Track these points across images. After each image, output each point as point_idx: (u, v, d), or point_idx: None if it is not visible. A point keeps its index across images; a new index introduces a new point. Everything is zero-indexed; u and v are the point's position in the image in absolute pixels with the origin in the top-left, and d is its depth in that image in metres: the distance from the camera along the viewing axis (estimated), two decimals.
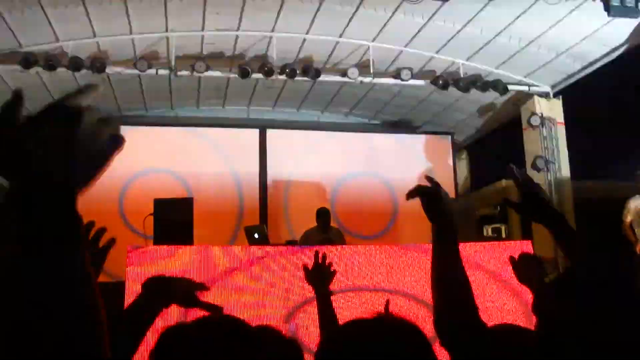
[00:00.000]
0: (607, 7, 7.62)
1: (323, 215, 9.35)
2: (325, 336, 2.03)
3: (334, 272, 3.15)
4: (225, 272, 6.91)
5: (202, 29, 9.53)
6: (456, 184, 13.01)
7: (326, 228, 9.38)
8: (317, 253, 3.21)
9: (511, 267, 2.82)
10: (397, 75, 10.44)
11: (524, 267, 2.76)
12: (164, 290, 1.98)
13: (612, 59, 9.71)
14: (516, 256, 2.80)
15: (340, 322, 2.80)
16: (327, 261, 3.20)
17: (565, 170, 10.98)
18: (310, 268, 3.14)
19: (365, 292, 7.11)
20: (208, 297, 1.97)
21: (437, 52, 10.24)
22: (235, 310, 6.62)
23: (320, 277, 3.11)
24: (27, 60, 8.21)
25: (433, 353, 1.66)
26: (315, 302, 3.12)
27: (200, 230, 8.27)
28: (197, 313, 1.88)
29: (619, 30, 8.84)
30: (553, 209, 2.32)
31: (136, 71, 9.73)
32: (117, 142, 1.04)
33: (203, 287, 2.03)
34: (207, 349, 1.47)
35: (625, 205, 8.79)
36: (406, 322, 1.75)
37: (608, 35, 9.09)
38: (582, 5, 7.98)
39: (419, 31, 9.57)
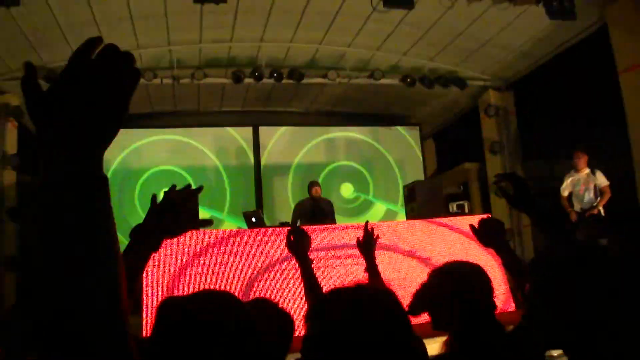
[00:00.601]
0: (549, 11, 7.73)
1: (312, 186, 9.46)
2: (311, 304, 1.91)
3: (310, 239, 3.05)
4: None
5: (200, 42, 9.55)
6: (425, 168, 13.16)
7: (317, 199, 9.44)
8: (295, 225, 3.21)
9: (473, 234, 2.74)
10: (370, 75, 10.49)
11: (485, 231, 2.69)
12: (149, 234, 1.82)
13: (555, 56, 9.84)
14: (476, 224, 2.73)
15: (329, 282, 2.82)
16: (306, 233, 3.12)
17: (517, 153, 11.13)
18: (291, 237, 3.03)
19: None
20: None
21: (405, 54, 10.30)
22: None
23: (299, 243, 3.01)
24: (49, 77, 8.22)
25: (407, 319, 1.66)
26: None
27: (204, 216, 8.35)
28: None
29: (560, 31, 8.92)
30: (539, 202, 2.33)
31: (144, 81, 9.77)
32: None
33: (197, 190, 1.95)
34: (205, 322, 1.38)
35: (563, 180, 9.02)
36: (382, 290, 1.78)
37: (551, 35, 9.18)
38: (528, 9, 8.04)
39: (388, 36, 9.63)
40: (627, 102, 7.92)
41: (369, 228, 3.20)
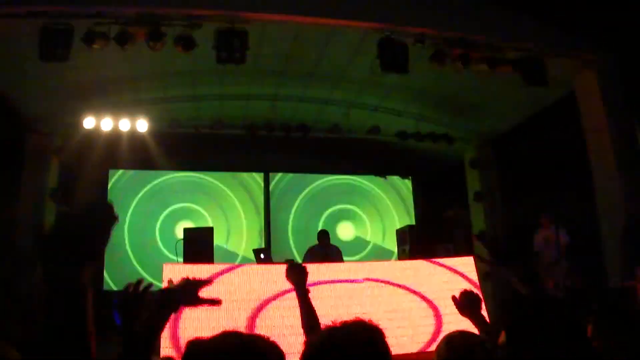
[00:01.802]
0: (524, 78, 7.92)
1: (322, 234, 9.41)
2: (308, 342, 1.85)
3: (307, 273, 3.10)
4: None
5: (221, 97, 9.81)
6: (415, 214, 13.25)
7: (326, 246, 9.32)
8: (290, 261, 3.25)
9: (454, 304, 2.83)
10: (370, 131, 10.68)
11: (464, 303, 2.81)
12: (174, 299, 1.95)
13: (531, 116, 10.04)
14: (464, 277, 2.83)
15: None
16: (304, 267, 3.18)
17: (498, 201, 11.25)
18: (290, 268, 3.13)
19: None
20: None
21: (399, 115, 10.52)
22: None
23: (296, 273, 3.08)
24: None
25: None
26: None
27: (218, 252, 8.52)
28: None
29: (536, 97, 9.14)
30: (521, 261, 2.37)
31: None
32: None
33: (204, 282, 2.03)
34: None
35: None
36: (371, 328, 1.76)
37: (527, 99, 9.38)
38: (507, 77, 8.18)
39: (385, 97, 9.87)
40: (592, 158, 8.08)
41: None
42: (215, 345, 1.52)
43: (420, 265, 8.08)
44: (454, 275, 7.83)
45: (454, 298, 2.83)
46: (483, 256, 2.56)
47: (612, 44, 8.11)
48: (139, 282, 2.01)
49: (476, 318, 2.77)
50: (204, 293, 1.99)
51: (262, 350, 1.52)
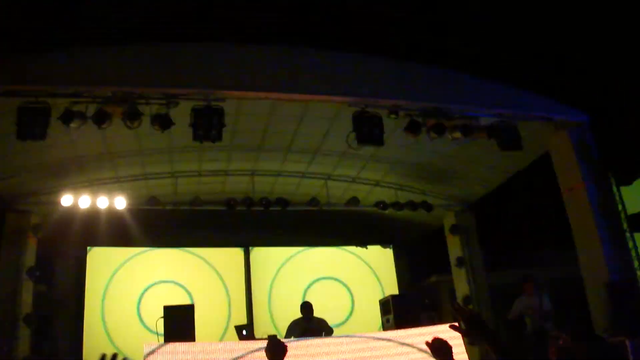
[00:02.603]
0: (499, 143, 8.03)
1: (304, 307, 9.22)
2: None
3: (285, 348, 3.16)
4: None
5: (199, 173, 9.80)
6: (399, 281, 13.11)
7: (308, 318, 9.09)
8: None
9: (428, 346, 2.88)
10: (348, 202, 10.69)
11: (437, 349, 2.85)
12: None
13: (508, 180, 10.15)
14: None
15: None
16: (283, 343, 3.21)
17: (480, 266, 11.20)
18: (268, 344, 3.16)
19: None
20: None
21: (376, 184, 10.58)
22: None
23: (274, 349, 3.13)
24: None
25: None
26: None
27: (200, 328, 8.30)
28: None
29: (512, 160, 9.25)
30: (491, 330, 2.38)
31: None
32: None
33: None
34: None
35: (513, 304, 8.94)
36: None
37: (503, 164, 9.53)
38: (482, 143, 8.32)
39: (362, 169, 9.94)
40: (570, 216, 8.13)
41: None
42: None
43: (389, 346, 7.93)
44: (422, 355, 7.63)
45: (427, 343, 2.85)
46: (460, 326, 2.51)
47: (584, 105, 8.31)
48: (114, 356, 2.07)
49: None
50: None
51: None
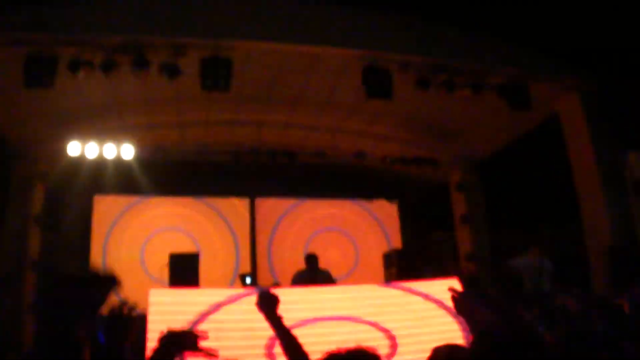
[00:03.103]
0: (508, 102, 7.97)
1: (309, 258, 9.29)
2: None
3: (277, 300, 2.95)
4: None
5: (206, 123, 9.78)
6: (403, 236, 13.20)
7: (313, 270, 9.22)
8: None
9: (452, 300, 2.72)
10: (355, 156, 10.70)
11: (460, 303, 2.67)
12: (176, 342, 2.09)
13: (515, 140, 10.10)
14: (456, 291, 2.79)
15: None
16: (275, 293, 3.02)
17: (484, 224, 11.26)
18: (260, 296, 2.97)
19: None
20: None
21: (384, 139, 10.55)
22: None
23: (267, 302, 2.94)
24: None
25: None
26: None
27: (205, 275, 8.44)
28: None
29: (520, 121, 9.19)
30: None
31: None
32: None
33: (204, 336, 2.15)
34: None
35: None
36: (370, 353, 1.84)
37: (511, 124, 9.45)
38: (491, 101, 8.21)
39: (370, 122, 9.90)
40: (576, 179, 8.14)
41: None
42: None
43: (394, 294, 8.02)
44: (428, 303, 7.74)
45: (453, 298, 2.71)
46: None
47: (594, 67, 8.21)
48: (123, 304, 2.11)
49: (470, 317, 2.60)
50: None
51: None
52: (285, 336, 2.81)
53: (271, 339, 6.77)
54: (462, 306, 2.62)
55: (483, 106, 8.75)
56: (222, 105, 9.01)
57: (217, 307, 7.11)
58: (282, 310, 2.82)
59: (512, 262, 8.87)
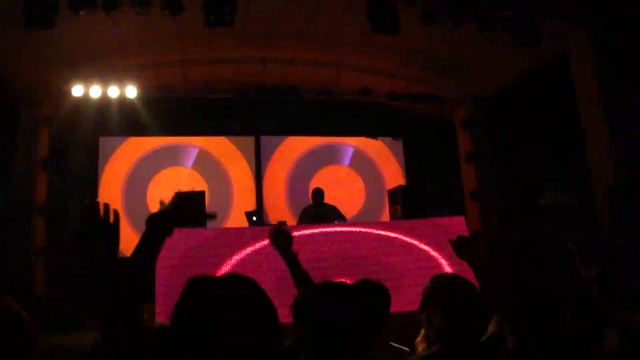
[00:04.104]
0: (516, 38, 7.88)
1: (315, 194, 9.41)
2: (301, 294, 1.94)
3: (291, 236, 3.03)
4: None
5: (210, 61, 9.71)
6: (406, 175, 13.26)
7: (319, 205, 9.31)
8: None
9: (451, 247, 2.81)
10: (360, 93, 10.64)
11: (460, 247, 2.78)
12: (163, 222, 1.78)
13: (522, 77, 10.01)
14: (454, 236, 2.81)
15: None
16: (288, 229, 3.13)
17: (488, 162, 11.29)
18: (272, 234, 3.04)
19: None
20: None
21: (389, 75, 10.45)
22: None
23: (280, 239, 3.02)
24: None
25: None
26: None
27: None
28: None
29: (528, 58, 9.08)
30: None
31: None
32: None
33: (201, 194, 1.94)
34: (225, 301, 1.43)
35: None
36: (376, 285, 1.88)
37: (518, 61, 9.34)
38: (497, 37, 8.07)
39: (375, 58, 9.81)
40: (583, 117, 8.13)
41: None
42: (217, 280, 1.52)
43: (411, 225, 8.21)
44: (443, 234, 7.97)
45: (450, 241, 2.83)
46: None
47: (604, 5, 8.05)
48: (95, 204, 1.83)
49: (473, 259, 2.74)
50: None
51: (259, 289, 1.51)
52: (299, 273, 2.91)
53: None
54: (463, 250, 2.76)
55: (490, 42, 8.61)
56: (226, 42, 8.93)
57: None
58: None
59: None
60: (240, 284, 1.50)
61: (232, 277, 1.55)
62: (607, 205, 7.48)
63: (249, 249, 7.14)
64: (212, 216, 7.62)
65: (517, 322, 1.96)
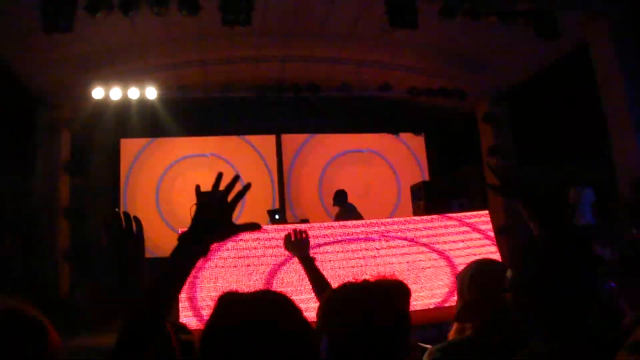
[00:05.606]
0: (536, 30, 7.78)
1: (338, 195, 9.46)
2: (325, 298, 1.83)
3: (308, 240, 3.00)
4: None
5: (228, 60, 9.74)
6: (429, 170, 13.19)
7: (342, 205, 9.43)
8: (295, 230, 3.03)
9: (494, 189, 2.32)
10: (380, 89, 10.59)
11: (506, 185, 2.25)
12: (199, 234, 1.53)
13: (543, 70, 9.89)
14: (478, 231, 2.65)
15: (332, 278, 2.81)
16: (304, 233, 3.03)
17: (512, 156, 11.15)
18: (288, 239, 3.01)
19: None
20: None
21: (409, 71, 10.40)
22: None
23: (295, 243, 2.99)
24: None
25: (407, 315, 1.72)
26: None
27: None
28: None
29: (548, 50, 8.97)
30: (525, 188, 2.13)
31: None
32: None
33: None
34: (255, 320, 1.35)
35: None
36: (396, 284, 1.80)
37: (539, 53, 9.21)
38: (517, 30, 7.99)
39: (395, 54, 9.75)
40: (606, 108, 8.00)
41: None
42: (249, 298, 1.44)
43: (434, 221, 8.14)
44: (468, 229, 7.92)
45: (488, 185, 2.52)
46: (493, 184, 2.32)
47: None
48: (116, 214, 1.69)
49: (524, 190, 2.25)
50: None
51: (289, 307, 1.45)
52: (316, 276, 2.88)
53: None
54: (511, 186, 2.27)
55: (509, 35, 8.49)
56: (244, 41, 8.93)
57: None
58: None
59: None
60: (273, 305, 1.44)
61: (266, 296, 1.49)
62: (631, 198, 7.34)
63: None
64: (254, 227, 7.64)
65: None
